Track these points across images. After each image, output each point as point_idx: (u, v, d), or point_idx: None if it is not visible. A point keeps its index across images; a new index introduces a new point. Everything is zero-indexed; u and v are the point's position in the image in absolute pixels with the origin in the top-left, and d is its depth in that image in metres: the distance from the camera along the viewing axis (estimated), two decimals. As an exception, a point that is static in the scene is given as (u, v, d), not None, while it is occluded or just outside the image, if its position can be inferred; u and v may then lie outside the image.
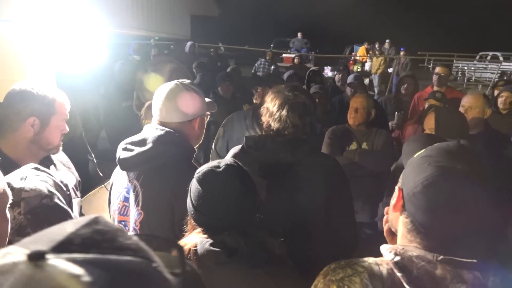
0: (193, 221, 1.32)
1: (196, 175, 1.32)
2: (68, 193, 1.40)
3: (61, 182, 1.34)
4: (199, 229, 1.27)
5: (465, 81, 15.61)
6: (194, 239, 1.23)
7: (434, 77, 4.65)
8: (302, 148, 1.71)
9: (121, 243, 0.43)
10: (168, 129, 1.62)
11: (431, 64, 15.80)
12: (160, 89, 1.70)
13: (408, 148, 1.13)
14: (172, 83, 1.69)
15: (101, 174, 2.60)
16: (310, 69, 5.99)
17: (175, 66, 4.53)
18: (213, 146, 3.15)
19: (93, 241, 0.41)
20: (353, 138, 3.25)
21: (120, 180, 1.72)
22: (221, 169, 1.29)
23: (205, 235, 1.23)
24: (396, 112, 4.30)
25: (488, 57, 16.93)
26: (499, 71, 14.22)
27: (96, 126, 4.74)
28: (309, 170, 1.68)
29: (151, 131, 1.64)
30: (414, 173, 0.97)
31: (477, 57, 17.09)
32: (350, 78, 4.76)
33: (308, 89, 5.64)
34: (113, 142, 5.10)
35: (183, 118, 1.65)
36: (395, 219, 1.07)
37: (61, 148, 1.72)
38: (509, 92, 4.28)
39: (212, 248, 1.18)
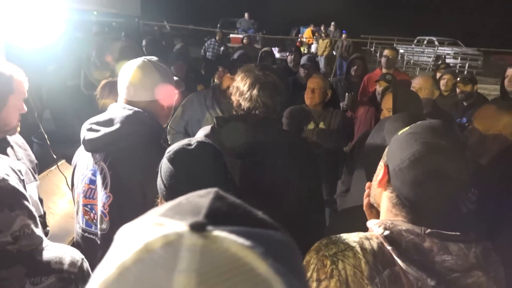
0: (164, 202, 1.28)
1: (166, 154, 1.27)
2: (22, 178, 1.31)
3: (14, 167, 1.25)
4: None
5: (404, 64, 16.37)
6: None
7: (383, 60, 4.82)
8: (273, 128, 1.71)
9: (256, 216, 0.42)
10: (136, 109, 1.55)
11: (373, 47, 16.39)
12: (126, 66, 1.62)
13: (390, 126, 1.17)
14: (139, 60, 1.61)
15: (54, 156, 2.46)
16: (263, 50, 5.98)
17: (125, 44, 4.34)
18: (169, 125, 3.08)
19: (233, 214, 0.41)
20: (311, 118, 3.31)
21: (84, 162, 1.63)
22: (192, 147, 1.25)
23: None
24: (347, 94, 4.42)
25: (425, 42, 17.83)
26: (435, 55, 15.05)
27: (38, 106, 4.45)
28: (281, 149, 1.69)
29: (118, 110, 1.56)
30: (400, 149, 1.00)
31: (415, 41, 17.94)
32: (303, 60, 4.81)
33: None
34: (58, 123, 4.83)
35: (152, 96, 1.59)
36: (378, 194, 1.11)
37: (18, 129, 1.59)
38: (451, 74, 4.55)
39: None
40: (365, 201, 1.21)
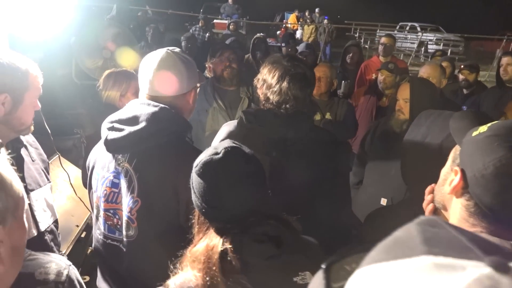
0: (201, 217, 1.18)
1: (195, 169, 1.16)
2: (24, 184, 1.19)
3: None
4: (211, 229, 1.14)
5: (388, 50, 16.41)
6: (215, 240, 1.10)
7: (380, 47, 4.77)
8: (304, 122, 1.62)
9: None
10: (162, 105, 1.43)
11: (357, 33, 16.39)
12: (148, 58, 1.49)
13: (457, 125, 1.09)
14: (162, 52, 1.48)
15: (58, 153, 2.33)
16: (255, 36, 5.83)
17: (118, 30, 4.14)
18: None
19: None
20: (317, 109, 3.23)
21: (103, 162, 1.51)
22: (220, 155, 1.14)
23: (221, 236, 1.11)
24: (343, 81, 4.36)
25: (407, 28, 17.91)
26: (419, 41, 15.15)
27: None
28: (313, 146, 1.60)
29: (142, 107, 1.44)
30: (482, 153, 0.92)
31: (397, 27, 18.00)
32: (301, 47, 4.71)
33: (254, 57, 5.54)
34: (48, 115, 4.61)
35: (179, 91, 1.47)
36: (448, 201, 1.03)
37: (32, 128, 1.46)
38: (448, 62, 4.53)
39: (257, 243, 1.06)
40: (429, 208, 1.14)
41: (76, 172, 3.14)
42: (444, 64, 4.49)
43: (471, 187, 0.93)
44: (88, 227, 3.39)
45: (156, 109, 1.41)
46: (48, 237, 1.60)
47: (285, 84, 1.57)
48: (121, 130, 1.41)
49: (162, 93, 1.46)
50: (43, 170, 1.61)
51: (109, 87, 2.46)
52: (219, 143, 1.22)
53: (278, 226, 1.10)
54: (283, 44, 5.30)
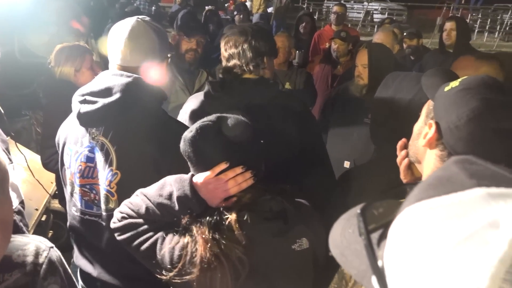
0: None
1: (190, 134, 1.15)
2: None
3: None
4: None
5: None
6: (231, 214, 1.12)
7: (332, 16, 4.84)
8: (270, 88, 1.65)
9: None
10: (136, 75, 1.40)
11: (305, 4, 16.43)
12: (117, 28, 1.44)
13: (429, 82, 1.15)
14: (132, 20, 1.44)
15: (12, 134, 2.21)
16: (207, 9, 5.71)
17: (62, 3, 3.91)
18: None
19: None
20: (275, 78, 3.26)
21: (75, 137, 1.46)
22: (211, 123, 1.15)
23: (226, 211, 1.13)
24: (297, 51, 4.40)
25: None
26: (365, 11, 15.46)
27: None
28: (281, 111, 1.64)
29: (115, 78, 1.40)
30: (455, 106, 0.98)
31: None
32: (256, 18, 4.69)
33: (207, 30, 5.43)
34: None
35: (151, 60, 1.44)
36: (422, 153, 1.08)
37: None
38: (399, 29, 4.68)
39: (265, 221, 1.10)
40: (404, 162, 1.20)
41: (29, 155, 3.00)
42: (396, 30, 4.65)
43: (445, 138, 0.99)
44: (47, 211, 3.28)
45: (129, 79, 1.38)
46: (16, 217, 1.55)
47: (252, 43, 1.61)
48: (94, 102, 1.37)
49: (133, 63, 1.42)
50: (4, 151, 1.53)
51: (62, 63, 2.35)
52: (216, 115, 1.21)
53: (282, 201, 1.13)
54: (235, 13, 5.24)
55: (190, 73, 3.00)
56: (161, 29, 1.48)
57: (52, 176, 2.87)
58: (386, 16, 15.66)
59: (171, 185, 1.15)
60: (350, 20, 16.14)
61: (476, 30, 14.55)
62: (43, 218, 3.18)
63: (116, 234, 1.21)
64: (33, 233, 2.76)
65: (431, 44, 10.93)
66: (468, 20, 13.31)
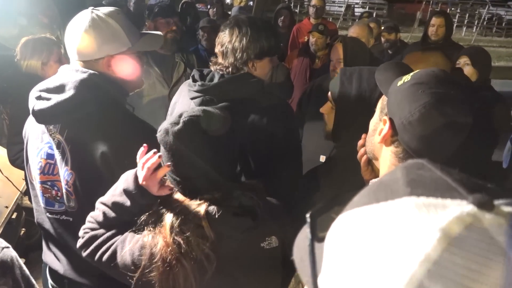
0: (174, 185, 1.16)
1: (158, 135, 1.13)
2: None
3: None
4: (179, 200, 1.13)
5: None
6: (200, 209, 1.09)
7: (311, 9, 4.81)
8: (252, 84, 1.62)
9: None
10: (92, 71, 1.34)
11: (286, -3, 16.38)
12: (73, 22, 1.39)
13: (382, 77, 1.12)
14: (84, 13, 1.38)
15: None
16: (183, 0, 5.63)
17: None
18: None
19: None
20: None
21: (36, 133, 1.42)
22: (180, 125, 1.11)
23: (203, 201, 1.10)
24: (276, 45, 4.37)
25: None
26: (346, 5, 15.51)
27: None
28: (261, 107, 1.61)
29: (70, 74, 1.34)
30: (408, 101, 0.95)
31: (325, -9, 18.23)
32: (234, 11, 4.63)
33: (184, 21, 5.35)
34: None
35: (109, 53, 1.38)
36: (378, 150, 1.06)
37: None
38: (375, 23, 4.69)
39: (234, 217, 1.08)
40: (363, 159, 1.19)
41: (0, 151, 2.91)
42: (372, 25, 4.63)
43: (399, 134, 0.97)
44: (18, 208, 3.19)
45: (84, 75, 1.33)
46: None
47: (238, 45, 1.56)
48: (48, 99, 1.32)
49: (90, 57, 1.36)
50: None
51: (28, 56, 2.27)
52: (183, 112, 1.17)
53: (252, 197, 1.11)
54: (209, 6, 5.16)
55: (167, 62, 2.92)
56: (122, 19, 1.42)
57: (22, 172, 2.79)
58: (367, 9, 15.78)
59: (120, 181, 1.13)
60: (331, 14, 16.19)
61: (455, 25, 14.76)
62: (14, 216, 3.10)
63: (82, 252, 1.19)
64: (3, 231, 2.69)
65: (411, 38, 11.03)
66: (447, 15, 13.48)
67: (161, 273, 1.04)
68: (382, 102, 1.09)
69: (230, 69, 1.56)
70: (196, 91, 1.55)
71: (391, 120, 1.00)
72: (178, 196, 1.15)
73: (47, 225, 1.47)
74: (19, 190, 2.90)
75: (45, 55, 2.31)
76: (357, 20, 6.12)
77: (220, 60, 1.60)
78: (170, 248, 1.03)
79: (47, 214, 1.44)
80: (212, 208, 1.08)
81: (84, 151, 1.34)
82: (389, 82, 1.08)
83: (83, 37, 1.35)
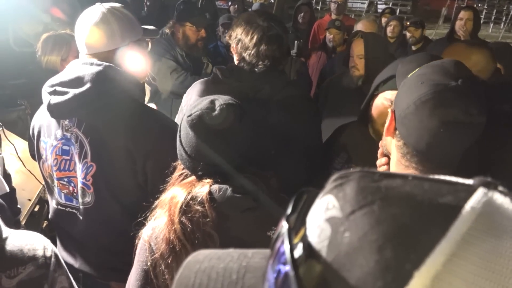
0: (186, 171, 1.16)
1: (186, 119, 1.12)
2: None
3: None
4: (193, 177, 1.12)
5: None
6: (204, 189, 1.08)
7: (333, 6, 4.75)
8: (279, 79, 1.62)
9: None
10: (106, 63, 1.36)
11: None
12: (82, 16, 1.42)
13: (403, 69, 1.08)
14: (94, 8, 1.41)
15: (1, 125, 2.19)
16: (203, -3, 5.63)
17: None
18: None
19: None
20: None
21: (48, 130, 1.44)
22: (216, 112, 1.10)
23: (209, 181, 1.09)
24: (296, 41, 4.34)
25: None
26: (368, 1, 15.29)
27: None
28: (288, 101, 1.60)
29: (85, 67, 1.36)
30: (407, 93, 0.90)
31: (348, -13, 18.01)
32: (255, 6, 4.62)
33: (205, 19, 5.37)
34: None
35: (117, 44, 1.40)
36: (388, 144, 1.01)
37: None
38: (397, 21, 4.59)
39: (235, 195, 1.06)
40: (379, 151, 1.16)
41: (23, 145, 2.98)
42: (393, 23, 4.56)
43: (398, 127, 0.92)
44: (41, 201, 3.27)
45: (99, 68, 1.34)
46: None
47: (263, 47, 1.55)
48: (64, 93, 1.33)
49: (101, 48, 1.38)
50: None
51: (48, 52, 2.32)
52: (216, 97, 1.17)
53: (256, 181, 1.09)
54: (229, 3, 5.16)
55: (197, 62, 3.03)
56: (127, 14, 1.44)
57: (43, 166, 2.86)
58: (390, 6, 15.52)
59: None
60: (353, 10, 16.00)
61: (482, 21, 14.37)
62: (36, 209, 3.17)
63: None
64: (26, 224, 2.76)
65: (435, 35, 10.80)
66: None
67: (164, 253, 1.04)
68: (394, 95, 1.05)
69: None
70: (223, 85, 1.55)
71: (393, 112, 0.95)
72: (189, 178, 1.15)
73: (62, 220, 1.49)
74: (41, 183, 2.97)
75: (65, 50, 2.36)
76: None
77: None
78: (174, 226, 1.02)
79: (67, 209, 1.46)
80: (215, 187, 1.08)
81: (104, 142, 1.35)
82: (406, 74, 1.03)
83: (91, 31, 1.37)
